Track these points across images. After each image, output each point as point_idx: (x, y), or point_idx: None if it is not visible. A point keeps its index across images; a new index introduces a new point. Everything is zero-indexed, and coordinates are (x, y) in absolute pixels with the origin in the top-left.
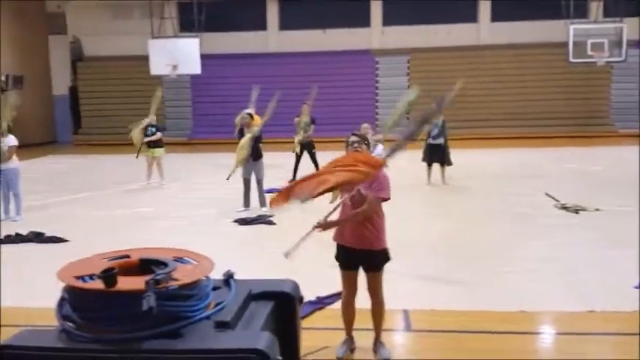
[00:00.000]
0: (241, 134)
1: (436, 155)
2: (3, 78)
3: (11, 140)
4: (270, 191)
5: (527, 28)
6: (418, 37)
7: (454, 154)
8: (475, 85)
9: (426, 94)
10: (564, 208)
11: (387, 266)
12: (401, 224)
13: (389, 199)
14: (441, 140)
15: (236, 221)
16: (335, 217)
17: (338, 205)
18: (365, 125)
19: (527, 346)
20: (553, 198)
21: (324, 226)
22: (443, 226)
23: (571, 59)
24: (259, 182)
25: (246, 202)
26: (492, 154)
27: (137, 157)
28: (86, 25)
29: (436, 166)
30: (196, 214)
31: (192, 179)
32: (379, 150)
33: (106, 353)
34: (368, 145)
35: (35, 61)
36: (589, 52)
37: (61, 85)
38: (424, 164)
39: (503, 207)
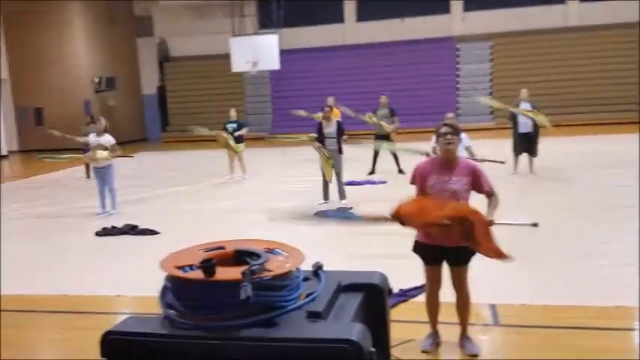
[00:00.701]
0: (320, 128)
1: (525, 145)
2: (97, 80)
3: (110, 139)
4: (349, 184)
5: (621, 6)
6: (501, 22)
7: (541, 143)
8: (561, 70)
9: (512, 80)
10: None
11: (474, 258)
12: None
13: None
14: (531, 129)
15: (316, 214)
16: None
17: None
18: (450, 115)
19: (623, 343)
20: None
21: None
22: (531, 218)
23: None
24: (338, 175)
25: (326, 195)
26: (578, 141)
27: (235, 152)
28: (171, 27)
29: (523, 155)
30: (278, 207)
31: (273, 173)
32: (465, 141)
33: (206, 340)
34: (459, 136)
35: (125, 63)
36: None
37: (149, 85)
38: (508, 153)
39: (595, 197)
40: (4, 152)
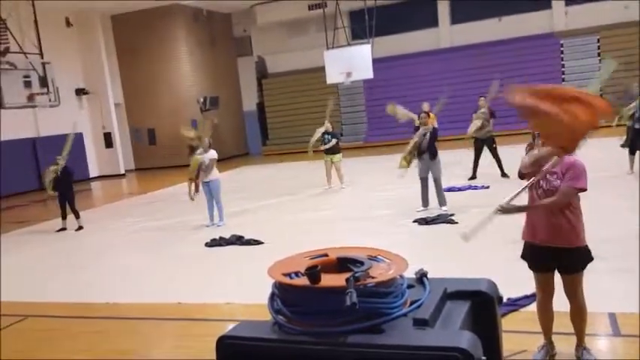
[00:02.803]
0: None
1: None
2: (202, 100)
3: (213, 154)
4: (449, 190)
5: None
6: (608, 13)
7: None
8: None
9: (622, 75)
10: None
11: (589, 265)
12: (601, 219)
13: (586, 189)
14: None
15: (416, 221)
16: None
17: (523, 189)
18: None
19: None
20: None
21: (507, 209)
22: None
23: None
24: (437, 181)
25: (425, 202)
26: None
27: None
28: (269, 45)
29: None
30: (377, 215)
31: (370, 181)
32: None
33: (315, 345)
34: None
35: (226, 82)
36: None
37: (249, 101)
38: (623, 151)
39: None
40: (122, 171)
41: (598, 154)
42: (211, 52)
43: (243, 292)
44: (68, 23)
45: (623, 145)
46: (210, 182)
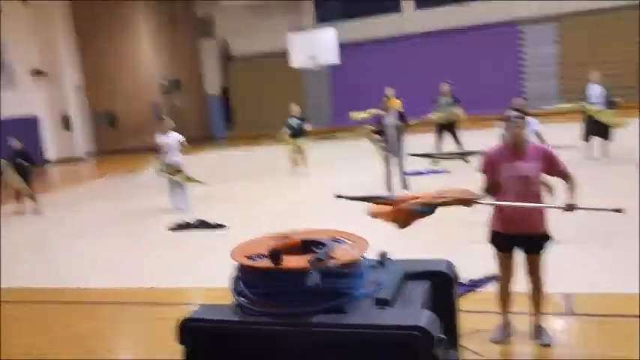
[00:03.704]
0: (378, 121)
1: (597, 128)
2: (164, 82)
3: (178, 136)
4: (412, 174)
5: None
6: (568, 2)
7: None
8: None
9: (581, 62)
10: None
11: (548, 247)
12: (561, 200)
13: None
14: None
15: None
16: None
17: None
18: (519, 100)
19: None
20: None
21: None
22: (608, 204)
23: None
24: (400, 165)
25: (389, 186)
26: None
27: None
28: (232, 27)
29: (596, 140)
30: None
31: (335, 165)
32: (534, 125)
33: (277, 326)
34: (524, 119)
35: (189, 64)
36: None
37: (212, 85)
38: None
39: None
40: (82, 154)
41: (558, 141)
42: (173, 33)
43: (207, 275)
44: (24, 0)
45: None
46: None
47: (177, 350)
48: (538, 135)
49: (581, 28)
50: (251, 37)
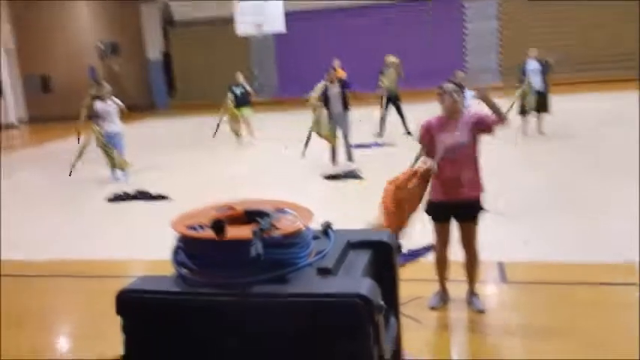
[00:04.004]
0: (325, 91)
1: (535, 103)
2: (101, 45)
3: (117, 101)
4: (356, 146)
5: None
6: None
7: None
8: (572, 29)
9: (521, 39)
10: None
11: (482, 217)
12: (496, 175)
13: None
14: (541, 86)
15: (325, 176)
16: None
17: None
18: (460, 73)
19: (631, 298)
20: None
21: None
22: (542, 176)
23: None
24: (346, 137)
25: (334, 158)
26: (588, 99)
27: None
28: None
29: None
30: (287, 170)
31: (280, 136)
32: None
33: (219, 296)
34: (463, 92)
35: (128, 27)
36: None
37: (154, 50)
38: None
39: (606, 156)
40: (13, 121)
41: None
42: None
43: (148, 247)
44: None
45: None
46: (111, 135)
47: (117, 322)
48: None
49: (521, 5)
50: (194, 1)
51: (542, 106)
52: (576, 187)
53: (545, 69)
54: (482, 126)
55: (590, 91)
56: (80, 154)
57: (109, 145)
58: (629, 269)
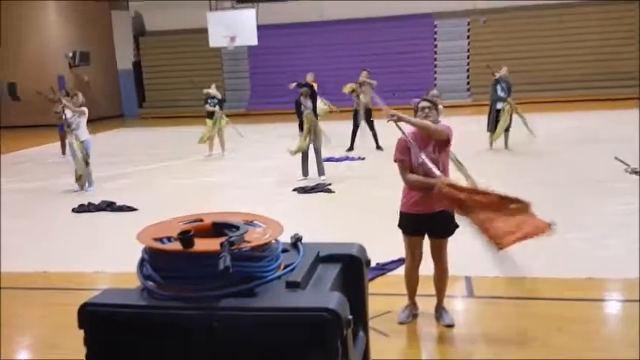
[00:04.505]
0: (297, 104)
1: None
2: (70, 54)
3: (83, 110)
4: (328, 160)
5: None
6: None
7: (516, 118)
8: (537, 47)
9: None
10: (636, 172)
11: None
12: None
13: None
14: (503, 105)
15: (295, 190)
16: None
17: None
18: (434, 92)
19: (593, 312)
20: (623, 162)
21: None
22: (508, 191)
23: None
24: (317, 151)
25: (305, 171)
26: (555, 117)
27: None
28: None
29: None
30: (257, 183)
31: (251, 149)
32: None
33: (186, 310)
34: (437, 111)
35: (99, 36)
36: None
37: (124, 60)
38: (484, 129)
39: (570, 172)
40: None
41: (465, 130)
42: (82, 2)
43: (114, 260)
44: None
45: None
46: (80, 143)
47: (80, 336)
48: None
49: (490, 25)
50: (167, 12)
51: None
52: (546, 202)
53: (509, 88)
54: (441, 139)
55: (557, 110)
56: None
57: (87, 158)
58: (593, 285)
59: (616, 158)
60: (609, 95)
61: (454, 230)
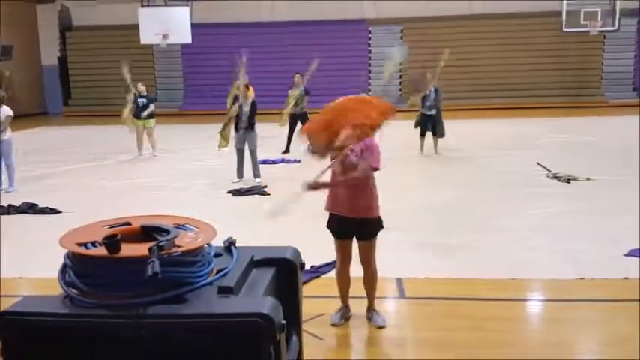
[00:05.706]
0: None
1: (429, 125)
2: None
3: (7, 111)
4: (263, 162)
5: None
6: (412, 7)
7: (447, 125)
8: (468, 55)
9: (419, 64)
10: (556, 177)
11: (381, 235)
12: (393, 194)
13: (379, 169)
14: (433, 111)
15: (230, 192)
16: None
17: (328, 168)
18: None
19: (517, 311)
20: (545, 168)
21: (313, 186)
22: (435, 196)
23: (564, 29)
24: (253, 153)
25: (240, 174)
26: (485, 124)
27: (129, 131)
28: None
29: (429, 136)
30: (190, 185)
31: (185, 150)
32: None
33: (111, 319)
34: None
35: (22, 30)
36: (582, 22)
37: (50, 55)
38: (415, 134)
39: (496, 177)
40: None
41: (396, 135)
42: None
43: (34, 265)
44: None
45: (415, 126)
46: (1, 142)
47: None
48: None
49: (423, 32)
50: (96, 6)
51: (435, 129)
52: (470, 206)
53: (437, 95)
54: (368, 163)
55: (491, 117)
56: None
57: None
58: (516, 285)
59: (538, 164)
60: (536, 104)
61: (377, 232)
